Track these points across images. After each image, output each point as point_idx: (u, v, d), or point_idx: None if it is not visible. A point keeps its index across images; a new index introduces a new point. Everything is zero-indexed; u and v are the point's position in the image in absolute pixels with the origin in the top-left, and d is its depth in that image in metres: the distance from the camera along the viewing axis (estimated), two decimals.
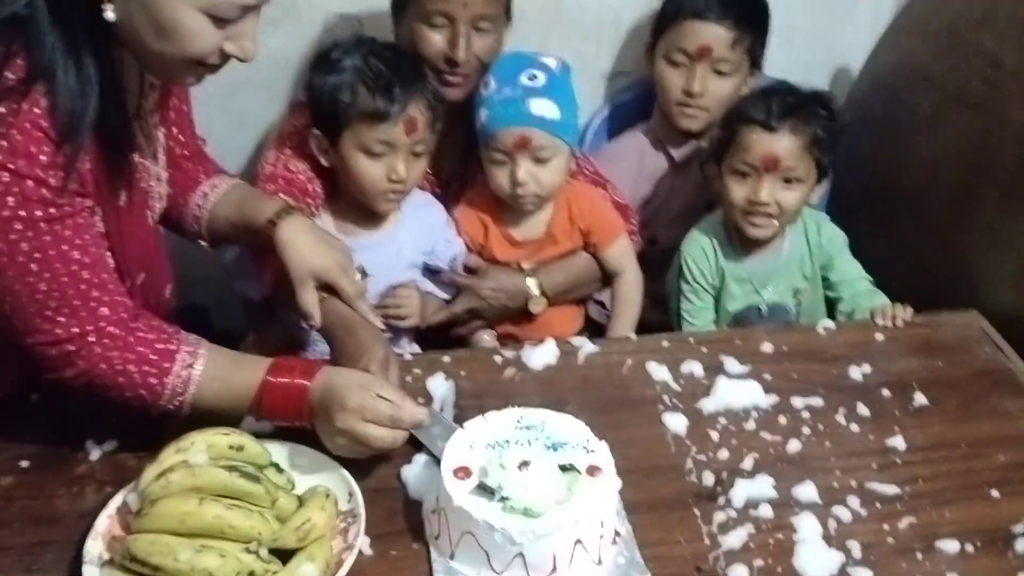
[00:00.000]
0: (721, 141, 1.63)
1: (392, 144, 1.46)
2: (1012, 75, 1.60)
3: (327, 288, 1.34)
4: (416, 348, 1.61)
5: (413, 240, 1.59)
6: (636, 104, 2.06)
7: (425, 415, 1.18)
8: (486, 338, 1.66)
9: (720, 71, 1.77)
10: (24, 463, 1.22)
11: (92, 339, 1.09)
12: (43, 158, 1.02)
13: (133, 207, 1.21)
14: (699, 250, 1.67)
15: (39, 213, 1.03)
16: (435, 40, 1.57)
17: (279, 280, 1.37)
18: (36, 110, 1.01)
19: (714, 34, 1.75)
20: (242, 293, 1.59)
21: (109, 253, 1.17)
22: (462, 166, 1.73)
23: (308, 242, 1.32)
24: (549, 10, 2.02)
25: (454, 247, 1.63)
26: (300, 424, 1.17)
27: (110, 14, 1.03)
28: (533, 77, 1.54)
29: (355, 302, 1.34)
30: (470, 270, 1.64)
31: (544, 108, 1.53)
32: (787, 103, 1.57)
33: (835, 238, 1.71)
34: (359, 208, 1.55)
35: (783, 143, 1.55)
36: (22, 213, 1.02)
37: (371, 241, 1.56)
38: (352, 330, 1.31)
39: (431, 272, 1.63)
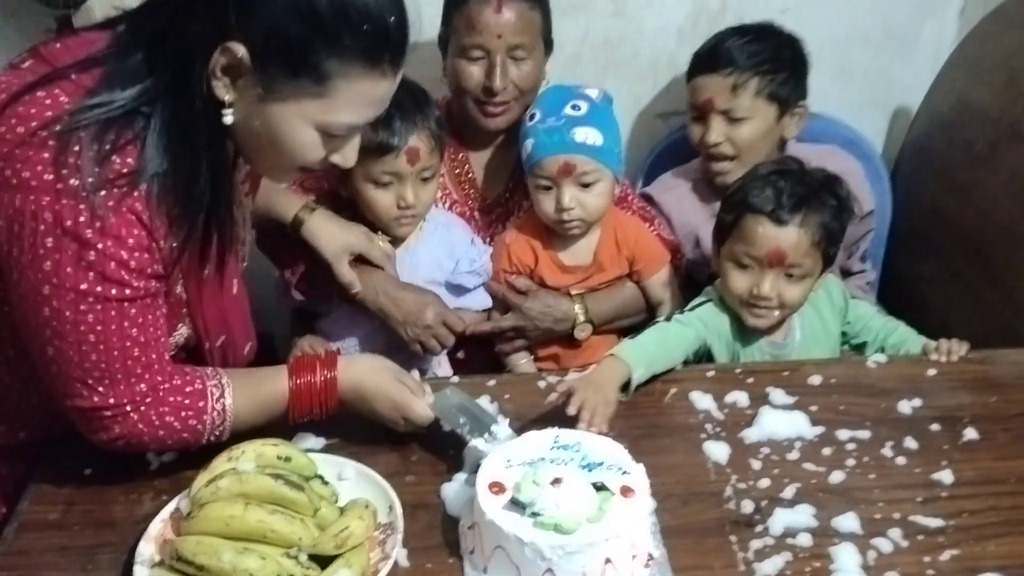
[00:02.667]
0: (724, 223, 1.53)
1: (398, 174, 1.54)
2: None
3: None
4: (447, 365, 1.66)
5: (432, 257, 1.65)
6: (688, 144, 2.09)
7: (428, 419, 1.28)
8: (523, 362, 1.69)
9: (733, 118, 1.77)
10: (88, 471, 1.28)
11: (129, 409, 1.15)
12: (131, 241, 1.08)
13: (219, 279, 1.26)
14: (719, 320, 1.55)
15: (113, 292, 1.09)
16: (473, 73, 1.65)
17: (308, 272, 1.59)
18: (136, 193, 1.07)
19: (713, 85, 1.77)
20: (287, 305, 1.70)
21: (188, 319, 1.25)
22: (507, 192, 1.79)
23: (334, 226, 1.54)
24: (605, 53, 2.08)
25: (476, 264, 1.67)
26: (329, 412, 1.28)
27: (229, 118, 1.09)
28: (576, 107, 1.61)
29: (386, 263, 1.56)
30: (519, 291, 1.68)
31: (587, 135, 1.58)
32: (796, 194, 1.46)
33: (840, 286, 1.64)
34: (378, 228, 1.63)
35: (791, 238, 1.45)
36: (98, 289, 1.08)
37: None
38: (401, 287, 1.57)
39: (459, 289, 1.68)
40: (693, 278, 1.83)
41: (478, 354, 1.68)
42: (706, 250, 1.86)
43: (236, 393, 1.21)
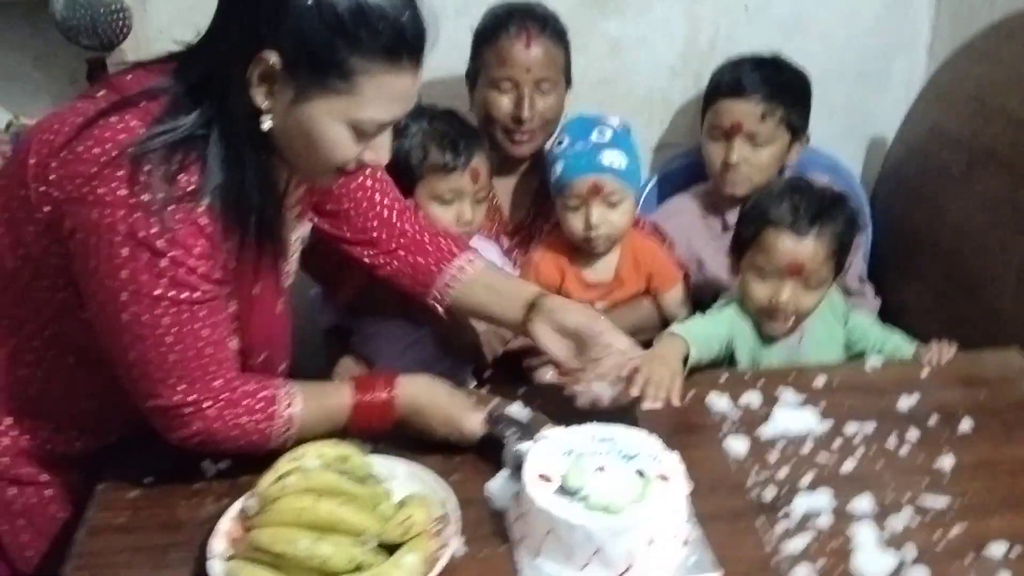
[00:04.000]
0: (743, 237, 1.65)
1: (460, 192, 1.67)
2: None
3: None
4: (473, 381, 1.77)
5: None
6: (684, 173, 2.22)
7: (479, 432, 1.36)
8: (548, 376, 1.79)
9: (755, 143, 1.93)
10: (148, 479, 1.35)
11: (206, 405, 1.23)
12: (197, 249, 1.17)
13: (265, 297, 1.35)
14: (742, 323, 1.68)
15: (184, 296, 1.19)
16: (503, 103, 1.79)
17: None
18: (199, 209, 1.17)
19: (742, 110, 1.92)
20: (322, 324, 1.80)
21: (236, 334, 1.32)
22: (530, 217, 1.92)
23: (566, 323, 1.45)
24: (601, 90, 2.22)
25: None
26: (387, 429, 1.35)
27: (267, 123, 1.19)
28: (602, 133, 1.75)
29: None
30: None
31: (613, 159, 1.73)
32: (813, 207, 1.58)
33: (841, 295, 1.77)
34: None
35: (809, 249, 1.57)
36: (171, 294, 1.17)
37: None
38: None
39: None
40: (696, 301, 1.95)
41: (504, 374, 1.78)
42: (708, 274, 1.99)
43: (306, 401, 1.30)
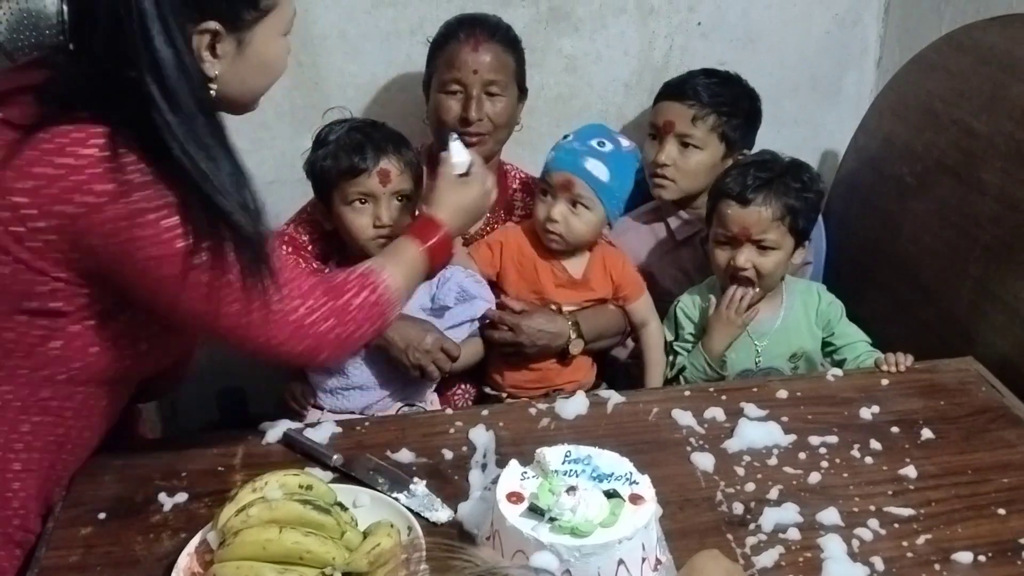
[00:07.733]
0: (708, 212, 1.80)
1: (371, 194, 1.65)
2: (985, 141, 1.77)
3: None
4: (436, 399, 1.75)
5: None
6: (639, 189, 2.23)
7: None
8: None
9: (685, 144, 1.96)
10: (101, 515, 1.30)
11: (311, 302, 1.26)
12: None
13: None
14: (690, 306, 1.83)
15: (206, 241, 1.15)
16: (452, 106, 1.79)
17: None
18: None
19: (676, 111, 1.96)
20: None
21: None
22: (486, 227, 1.91)
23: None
24: (558, 106, 2.23)
25: (452, 280, 1.76)
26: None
27: (215, 88, 1.18)
28: (601, 144, 1.76)
29: None
30: (515, 311, 1.77)
31: (596, 167, 1.73)
32: (759, 178, 1.71)
33: (834, 304, 1.84)
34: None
35: (754, 215, 1.70)
36: (192, 240, 1.14)
37: None
38: (400, 317, 1.56)
39: (443, 310, 1.76)
40: None
41: (467, 386, 1.76)
42: (660, 287, 2.00)
43: (391, 269, 1.37)
